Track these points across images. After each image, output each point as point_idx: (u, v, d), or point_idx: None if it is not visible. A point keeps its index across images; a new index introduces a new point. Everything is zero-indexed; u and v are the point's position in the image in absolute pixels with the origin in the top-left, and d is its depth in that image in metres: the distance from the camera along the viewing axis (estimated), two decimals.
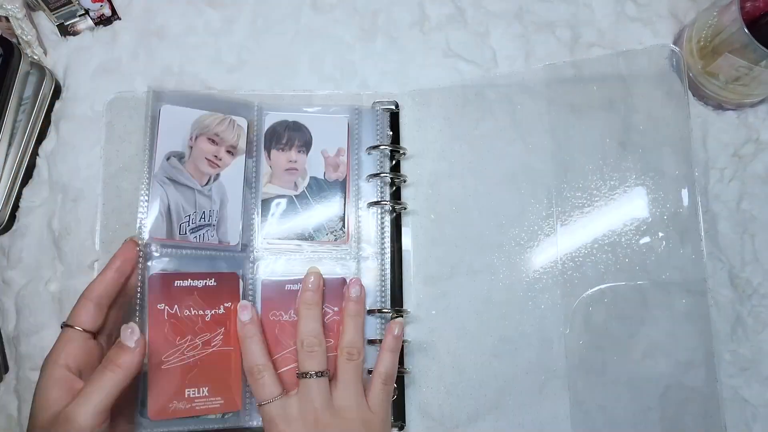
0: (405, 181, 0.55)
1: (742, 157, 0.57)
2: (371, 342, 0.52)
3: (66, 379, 0.43)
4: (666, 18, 0.61)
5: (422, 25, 0.60)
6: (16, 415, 0.53)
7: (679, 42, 0.58)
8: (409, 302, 0.54)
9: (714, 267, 0.56)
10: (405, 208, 0.55)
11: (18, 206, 0.56)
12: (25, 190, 0.56)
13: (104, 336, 0.47)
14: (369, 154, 0.55)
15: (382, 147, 0.55)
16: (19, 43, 0.56)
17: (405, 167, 0.56)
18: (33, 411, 0.42)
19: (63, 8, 0.57)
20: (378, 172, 0.54)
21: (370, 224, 0.54)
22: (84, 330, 0.45)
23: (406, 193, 0.56)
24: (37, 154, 0.56)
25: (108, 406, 0.41)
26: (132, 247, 0.48)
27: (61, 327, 0.45)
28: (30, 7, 0.58)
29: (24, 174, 0.55)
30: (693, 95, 0.58)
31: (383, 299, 0.53)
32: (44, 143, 0.57)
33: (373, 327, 0.52)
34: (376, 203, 0.54)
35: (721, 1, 0.53)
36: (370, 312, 0.52)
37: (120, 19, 0.59)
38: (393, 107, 0.56)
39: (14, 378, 0.53)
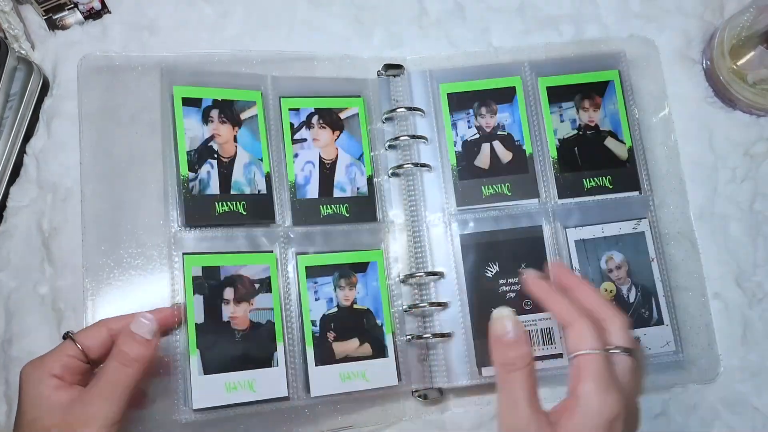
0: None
1: (753, 156, 0.57)
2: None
3: (63, 386, 0.42)
4: (672, 13, 0.60)
5: (421, 20, 0.60)
6: (5, 420, 0.52)
7: (711, 44, 0.58)
8: None
9: (721, 271, 0.55)
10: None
11: (5, 206, 0.55)
12: (12, 189, 0.55)
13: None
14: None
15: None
16: (6, 38, 0.55)
17: None
18: (23, 421, 0.41)
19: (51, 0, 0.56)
20: None
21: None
22: (83, 352, 0.43)
23: None
24: (25, 152, 0.55)
25: (125, 405, 0.41)
26: (171, 316, 0.47)
27: (63, 337, 0.44)
28: (17, 1, 0.57)
29: (11, 172, 0.54)
30: (716, 97, 0.58)
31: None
32: (32, 141, 0.56)
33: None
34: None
35: (759, 1, 0.54)
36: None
37: (110, 12, 0.58)
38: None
39: (3, 383, 0.52)
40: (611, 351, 0.37)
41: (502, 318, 0.38)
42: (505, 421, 0.37)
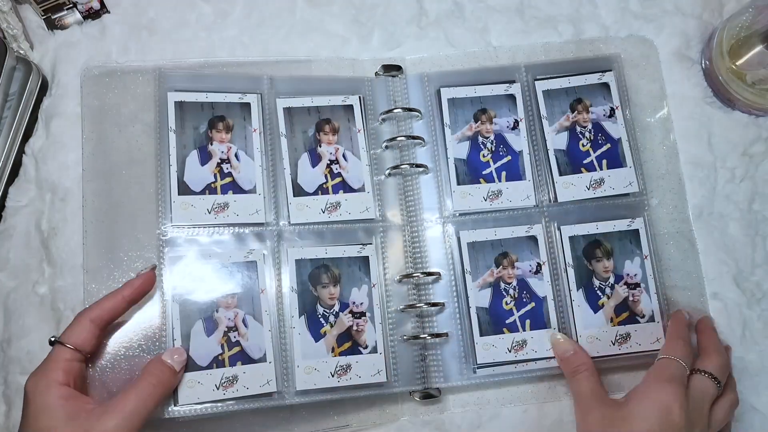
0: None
1: (752, 156, 0.57)
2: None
3: (73, 396, 0.42)
4: (672, 14, 0.60)
5: (420, 20, 0.60)
6: (3, 420, 0.52)
7: (710, 44, 0.58)
8: None
9: (720, 270, 0.55)
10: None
11: (4, 206, 0.55)
12: (11, 189, 0.55)
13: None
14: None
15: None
16: (5, 38, 0.55)
17: None
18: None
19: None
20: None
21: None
22: (76, 350, 0.44)
23: None
24: (24, 152, 0.55)
25: (143, 424, 0.42)
26: (151, 280, 0.48)
27: (50, 343, 0.44)
28: (16, 0, 0.56)
29: (10, 172, 0.54)
30: (715, 97, 0.58)
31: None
32: (31, 141, 0.56)
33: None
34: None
35: (758, 1, 0.54)
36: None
37: (109, 12, 0.58)
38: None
39: (2, 383, 0.52)
40: (698, 370, 0.47)
41: (558, 340, 0.51)
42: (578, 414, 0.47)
